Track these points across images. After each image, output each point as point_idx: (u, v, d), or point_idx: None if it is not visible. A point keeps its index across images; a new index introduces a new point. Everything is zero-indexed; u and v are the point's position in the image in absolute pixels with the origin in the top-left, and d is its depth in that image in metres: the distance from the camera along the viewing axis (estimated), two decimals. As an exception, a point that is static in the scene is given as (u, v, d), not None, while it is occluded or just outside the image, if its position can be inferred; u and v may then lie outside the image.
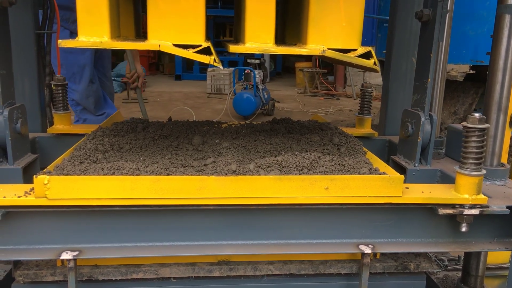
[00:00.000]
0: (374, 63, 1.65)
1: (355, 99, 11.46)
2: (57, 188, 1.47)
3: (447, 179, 2.03)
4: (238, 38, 2.23)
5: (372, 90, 2.69)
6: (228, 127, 2.29)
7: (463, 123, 1.62)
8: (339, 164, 1.69)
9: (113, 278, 1.66)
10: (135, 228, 1.60)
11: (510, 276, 1.64)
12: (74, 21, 3.79)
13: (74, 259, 1.53)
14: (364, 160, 1.82)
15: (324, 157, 1.71)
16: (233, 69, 12.88)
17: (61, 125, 2.54)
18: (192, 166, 1.73)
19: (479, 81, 5.67)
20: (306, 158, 1.68)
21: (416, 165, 2.08)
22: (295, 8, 2.21)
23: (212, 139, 2.03)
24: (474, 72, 5.60)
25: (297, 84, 13.56)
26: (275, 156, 1.77)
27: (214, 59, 1.57)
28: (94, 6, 1.53)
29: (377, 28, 6.47)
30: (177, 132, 2.13)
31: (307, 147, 1.92)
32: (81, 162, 1.70)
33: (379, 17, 6.13)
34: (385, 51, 5.99)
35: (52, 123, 2.64)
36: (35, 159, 2.09)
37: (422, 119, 2.05)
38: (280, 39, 2.29)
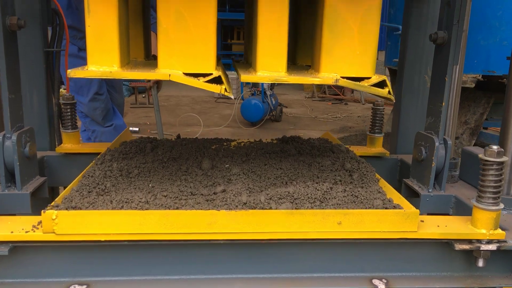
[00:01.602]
0: (389, 92, 1.60)
1: (363, 103, 11.40)
2: (65, 223, 1.45)
3: (462, 206, 1.99)
4: (248, 59, 2.20)
5: (383, 108, 2.65)
6: (237, 147, 2.26)
7: (480, 156, 1.57)
8: (352, 195, 1.65)
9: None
10: (144, 262, 1.57)
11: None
12: (82, 38, 3.81)
13: (83, 294, 1.51)
14: (377, 189, 1.78)
15: (336, 188, 1.67)
16: (240, 72, 12.90)
17: (69, 143, 2.53)
18: (202, 195, 1.69)
19: (490, 90, 5.60)
20: (318, 190, 1.64)
21: (430, 190, 2.04)
22: (307, 27, 2.18)
23: (222, 162, 2.00)
24: (485, 80, 5.52)
25: (305, 88, 13.52)
26: (286, 185, 1.73)
27: (225, 89, 1.53)
28: (103, 35, 1.50)
29: (387, 35, 6.42)
30: (186, 154, 2.10)
31: (318, 173, 1.88)
32: (89, 192, 1.67)
33: (389, 25, 6.07)
34: (395, 60, 5.93)
35: (60, 141, 2.62)
36: (43, 182, 2.06)
37: (436, 143, 2.00)
38: (291, 58, 2.25)
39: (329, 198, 1.62)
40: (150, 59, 2.22)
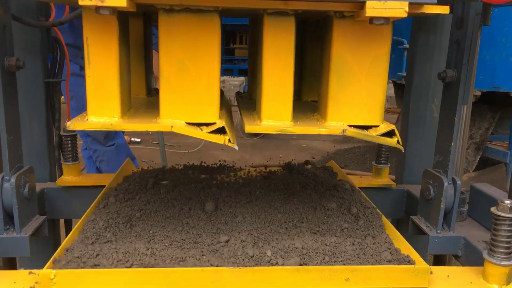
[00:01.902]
0: (398, 141, 1.56)
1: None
2: (63, 283, 1.40)
3: (471, 248, 1.94)
4: (252, 94, 2.16)
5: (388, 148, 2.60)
6: (241, 184, 2.21)
7: (492, 210, 1.52)
8: (360, 248, 1.60)
9: None
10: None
11: None
12: (83, 57, 3.77)
13: None
14: (384, 238, 1.73)
15: (344, 242, 1.62)
16: (243, 79, 12.84)
17: (69, 176, 2.49)
18: (206, 244, 1.65)
19: (496, 104, 5.54)
20: (326, 244, 1.59)
21: (439, 231, 1.99)
22: (312, 61, 2.14)
23: (225, 204, 1.95)
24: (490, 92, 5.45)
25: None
26: (292, 234, 1.69)
27: (229, 139, 1.49)
28: (104, 86, 1.46)
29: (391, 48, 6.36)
30: (188, 192, 2.05)
31: (324, 218, 1.84)
32: (92, 243, 1.63)
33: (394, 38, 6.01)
34: (399, 74, 5.88)
35: (60, 171, 2.57)
36: (42, 222, 2.02)
37: (445, 184, 1.95)
38: (295, 93, 2.21)
39: (337, 253, 1.57)
40: (152, 95, 2.18)
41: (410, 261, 1.59)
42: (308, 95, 2.14)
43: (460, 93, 1.89)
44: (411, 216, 2.19)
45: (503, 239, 1.50)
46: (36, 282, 1.45)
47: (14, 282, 1.48)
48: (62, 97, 2.83)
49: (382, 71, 1.54)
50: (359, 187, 2.38)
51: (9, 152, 1.84)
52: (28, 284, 1.46)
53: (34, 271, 1.49)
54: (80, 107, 3.92)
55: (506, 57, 4.80)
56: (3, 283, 1.47)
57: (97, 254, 1.53)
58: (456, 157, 2.15)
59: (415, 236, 2.15)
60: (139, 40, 2.05)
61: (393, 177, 2.76)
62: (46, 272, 1.40)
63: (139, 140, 8.05)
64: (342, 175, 2.48)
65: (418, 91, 2.57)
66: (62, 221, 2.68)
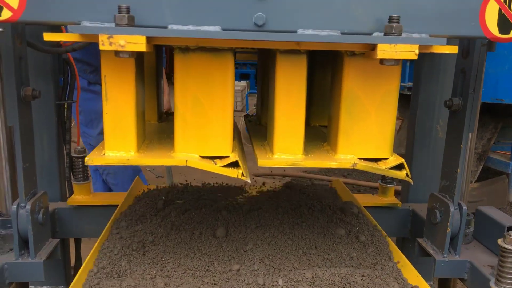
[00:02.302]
0: (407, 174, 1.60)
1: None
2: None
3: (477, 273, 1.97)
4: (262, 120, 2.20)
5: (395, 159, 2.63)
6: (249, 206, 2.25)
7: (499, 242, 1.56)
8: (370, 280, 1.64)
9: None
10: None
11: None
12: (91, 72, 3.82)
13: None
14: (393, 267, 1.77)
15: (354, 272, 1.66)
16: (245, 84, 12.86)
17: (80, 195, 2.53)
18: (218, 272, 1.69)
19: (498, 115, 5.57)
20: (336, 275, 1.63)
21: (445, 255, 2.02)
22: (321, 87, 2.18)
23: (235, 228, 1.99)
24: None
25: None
26: (302, 261, 1.73)
27: (242, 173, 1.53)
28: (121, 122, 1.50)
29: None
30: (198, 216, 2.09)
31: (333, 245, 1.88)
32: (107, 274, 1.67)
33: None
34: (402, 84, 5.88)
35: (71, 191, 2.61)
36: (55, 247, 2.06)
37: (452, 209, 1.99)
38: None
39: (347, 283, 1.61)
40: (163, 120, 2.22)
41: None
42: (317, 120, 2.18)
43: (466, 121, 1.93)
44: (418, 239, 2.22)
45: (510, 271, 1.54)
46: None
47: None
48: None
49: (392, 105, 1.58)
50: (365, 207, 2.42)
51: (25, 179, 1.88)
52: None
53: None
54: (88, 121, 3.97)
55: (508, 70, 4.84)
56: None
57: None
58: (462, 183, 2.20)
59: (421, 258, 2.19)
60: (151, 69, 2.10)
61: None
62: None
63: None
64: (348, 195, 2.51)
65: (424, 112, 2.60)
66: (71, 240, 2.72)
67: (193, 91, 1.50)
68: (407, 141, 2.81)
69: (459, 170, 1.97)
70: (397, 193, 2.78)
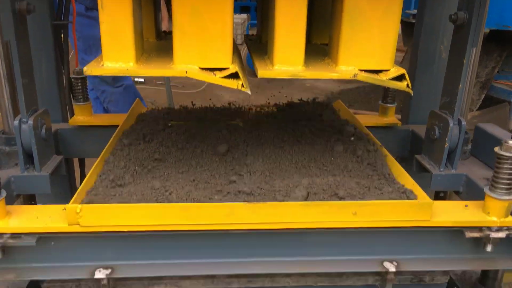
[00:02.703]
0: (407, 85, 1.59)
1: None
2: (89, 216, 1.50)
3: (472, 185, 2.02)
4: (262, 37, 2.17)
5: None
6: (250, 125, 2.26)
7: (496, 150, 1.59)
8: (366, 187, 1.68)
9: (137, 289, 1.71)
10: (165, 248, 1.63)
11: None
12: (88, -2, 3.72)
13: (108, 278, 1.59)
14: (389, 175, 1.81)
15: (350, 179, 1.70)
16: (245, 16, 12.53)
17: (81, 116, 2.54)
18: (219, 184, 1.74)
19: (503, 43, 5.46)
20: (332, 181, 1.67)
21: (442, 169, 2.07)
22: (323, 6, 2.12)
23: (237, 146, 2.02)
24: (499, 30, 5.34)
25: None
26: (302, 174, 1.77)
27: (242, 84, 1.53)
28: (118, 32, 1.48)
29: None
30: (200, 135, 2.11)
31: (331, 159, 1.91)
32: (111, 182, 1.72)
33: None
34: (407, 11, 5.76)
35: (72, 113, 2.62)
36: (60, 162, 2.10)
37: (451, 124, 2.00)
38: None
39: (344, 189, 1.66)
40: (161, 38, 2.19)
41: (414, 196, 1.67)
42: (318, 38, 2.14)
43: (470, 35, 1.89)
44: (416, 155, 2.26)
45: (505, 176, 1.58)
46: (64, 208, 1.53)
47: (44, 214, 1.58)
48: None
49: (395, 15, 1.54)
50: (366, 126, 2.44)
51: (25, 95, 1.89)
52: (56, 214, 1.56)
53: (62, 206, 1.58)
54: (87, 48, 3.92)
55: (516, -6, 4.69)
56: (33, 215, 1.57)
57: (119, 194, 1.62)
58: (463, 99, 2.20)
59: (418, 174, 2.24)
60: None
61: (399, 116, 2.81)
62: (73, 207, 1.49)
63: (142, 80, 8.03)
64: (348, 114, 2.52)
65: (428, 32, 2.55)
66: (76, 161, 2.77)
67: (192, 1, 1.46)
68: (410, 62, 2.78)
69: (460, 86, 1.97)
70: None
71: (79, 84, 2.49)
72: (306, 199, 1.64)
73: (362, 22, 1.53)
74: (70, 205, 1.50)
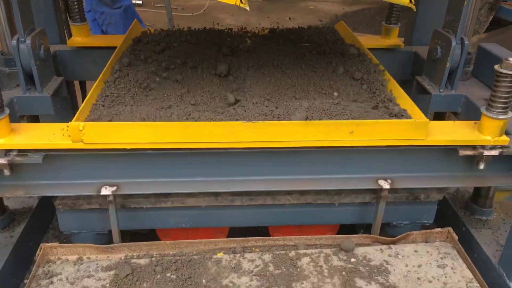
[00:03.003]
0: (410, 1, 1.55)
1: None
2: (92, 133, 1.53)
3: (471, 106, 2.04)
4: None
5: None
6: (251, 47, 2.24)
7: (495, 67, 1.58)
8: (363, 106, 1.70)
9: (144, 206, 1.78)
10: (167, 166, 1.69)
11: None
12: None
13: (113, 195, 1.66)
14: (387, 96, 1.82)
15: (349, 101, 1.71)
16: None
17: (79, 37, 2.51)
18: (220, 107, 1.75)
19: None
20: (331, 103, 1.68)
21: (441, 90, 2.07)
22: None
23: (237, 68, 2.01)
24: None
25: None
26: (301, 97, 1.78)
27: (241, 0, 1.49)
28: None
29: None
30: (199, 57, 2.09)
31: (330, 82, 1.91)
32: (112, 101, 1.74)
33: None
34: None
35: (69, 34, 2.58)
36: (61, 83, 2.11)
37: (453, 43, 1.98)
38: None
39: (342, 110, 1.67)
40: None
41: (410, 117, 1.69)
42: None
43: None
44: (416, 77, 2.25)
45: (503, 95, 1.59)
46: (67, 126, 1.57)
47: (48, 131, 1.62)
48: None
49: None
50: (368, 48, 2.41)
51: (21, 14, 1.86)
52: (59, 131, 1.60)
53: (65, 124, 1.61)
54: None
55: None
56: (37, 133, 1.60)
57: (120, 113, 1.65)
58: (467, 17, 2.14)
59: (418, 96, 2.25)
60: None
61: (402, 39, 2.76)
62: (75, 124, 1.52)
63: (140, 2, 7.79)
64: (351, 37, 2.48)
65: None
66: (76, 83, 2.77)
67: None
68: (416, -20, 2.68)
69: (465, 3, 1.91)
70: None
71: (75, 3, 2.44)
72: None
73: None
74: (73, 123, 1.52)
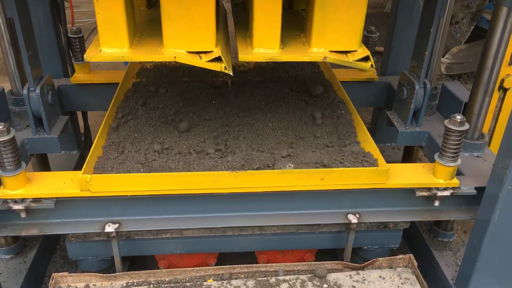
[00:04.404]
0: (371, 65, 1.79)
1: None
2: (97, 184, 1.78)
3: (433, 142, 2.29)
4: (247, 5, 2.30)
5: (376, 36, 2.77)
6: (238, 88, 2.48)
7: (445, 123, 1.82)
8: (342, 162, 1.94)
9: (146, 238, 2.04)
10: (162, 206, 1.93)
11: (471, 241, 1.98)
12: None
13: (116, 231, 1.91)
14: (356, 142, 2.08)
15: (322, 149, 1.97)
16: None
17: (81, 74, 2.73)
18: (208, 153, 2.00)
19: (496, -28, 5.42)
20: (308, 153, 1.94)
21: (407, 127, 2.32)
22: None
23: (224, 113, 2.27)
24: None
25: None
26: (280, 145, 2.05)
27: (225, 67, 1.73)
28: (113, 21, 1.65)
29: None
30: (191, 104, 2.33)
31: (307, 127, 2.17)
32: (116, 151, 1.98)
33: None
34: None
35: (72, 67, 2.78)
36: (66, 122, 2.34)
37: (417, 87, 2.22)
38: (288, 2, 2.35)
39: (321, 160, 1.94)
40: (152, 5, 2.32)
41: (374, 162, 1.94)
42: (299, 4, 2.28)
43: (438, 7, 2.04)
44: (386, 111, 2.50)
45: (452, 147, 1.83)
46: (71, 179, 1.82)
47: (59, 180, 1.87)
48: None
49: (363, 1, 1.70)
50: (345, 81, 2.66)
51: (31, 66, 2.08)
52: (69, 180, 1.85)
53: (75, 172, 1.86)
54: None
55: None
56: (49, 182, 1.85)
57: (120, 164, 1.90)
58: (432, 62, 2.39)
59: (388, 128, 2.50)
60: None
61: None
62: (84, 177, 1.76)
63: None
64: (330, 74, 2.71)
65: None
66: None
67: (177, -9, 1.62)
68: (391, 13, 2.90)
69: (426, 53, 2.15)
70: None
71: (77, 43, 2.65)
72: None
73: (332, 7, 1.70)
74: (81, 176, 1.77)
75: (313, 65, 2.82)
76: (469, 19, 5.58)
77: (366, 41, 2.79)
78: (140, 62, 2.77)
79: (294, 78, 2.61)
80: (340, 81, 2.63)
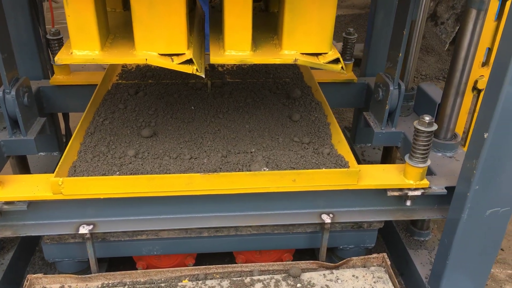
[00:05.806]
0: (342, 68, 1.81)
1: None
2: (70, 187, 1.79)
3: (408, 144, 2.31)
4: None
5: (355, 38, 2.79)
6: (217, 90, 2.50)
7: (414, 123, 1.85)
8: (315, 163, 1.96)
9: (122, 239, 2.05)
10: (136, 208, 1.95)
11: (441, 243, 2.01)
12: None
13: (90, 233, 1.92)
14: (328, 145, 2.10)
15: (294, 151, 1.99)
16: None
17: (61, 75, 2.73)
18: (182, 157, 2.02)
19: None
20: (281, 154, 1.96)
21: (383, 128, 2.35)
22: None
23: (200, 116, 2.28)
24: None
25: None
26: (254, 146, 2.06)
27: (197, 69, 1.74)
28: (83, 24, 1.66)
29: None
30: (169, 107, 2.34)
31: (283, 129, 2.19)
32: (91, 154, 1.99)
33: None
34: None
35: (52, 71, 2.78)
36: (44, 124, 2.34)
37: (391, 88, 2.25)
38: (264, 4, 2.36)
39: (297, 162, 1.96)
40: (128, 7, 2.32)
41: (345, 164, 1.97)
42: (275, 6, 2.29)
43: (410, 10, 2.07)
44: (363, 112, 2.53)
45: (421, 147, 1.86)
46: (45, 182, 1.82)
47: (32, 183, 1.87)
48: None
49: (332, 1, 1.71)
50: (324, 83, 2.68)
51: (6, 69, 2.08)
52: (42, 183, 1.86)
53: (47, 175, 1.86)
54: None
55: None
56: (22, 185, 1.85)
57: (94, 166, 1.90)
58: (409, 64, 2.42)
59: (365, 128, 2.53)
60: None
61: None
62: (55, 180, 1.77)
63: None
64: (309, 76, 2.73)
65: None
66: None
67: (147, -7, 1.62)
68: (369, 14, 2.92)
69: (400, 55, 2.18)
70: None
71: (56, 45, 2.65)
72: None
73: (302, 10, 1.71)
74: (53, 179, 1.77)
75: (294, 66, 2.84)
76: (454, 19, 5.63)
77: (345, 42, 2.82)
78: (122, 64, 2.78)
79: (273, 80, 2.63)
80: (320, 82, 2.65)
